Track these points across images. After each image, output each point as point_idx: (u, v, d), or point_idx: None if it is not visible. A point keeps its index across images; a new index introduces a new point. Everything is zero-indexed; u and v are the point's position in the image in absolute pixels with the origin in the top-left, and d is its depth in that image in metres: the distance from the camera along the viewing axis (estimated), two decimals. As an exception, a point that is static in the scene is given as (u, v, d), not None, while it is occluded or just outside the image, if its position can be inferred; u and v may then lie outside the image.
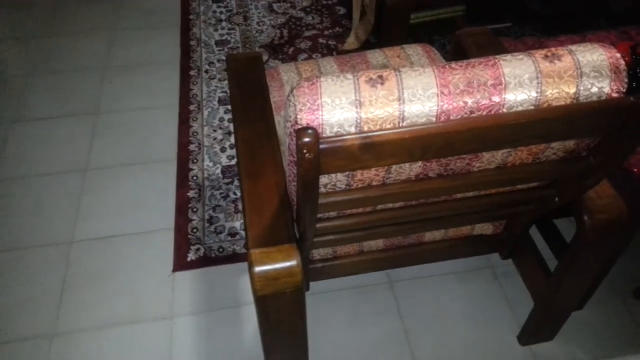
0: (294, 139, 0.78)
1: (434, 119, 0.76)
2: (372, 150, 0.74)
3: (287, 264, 0.92)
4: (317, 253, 1.20)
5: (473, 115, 0.77)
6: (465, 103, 0.77)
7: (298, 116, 0.76)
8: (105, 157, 1.83)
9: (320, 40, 2.35)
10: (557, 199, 1.02)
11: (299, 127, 0.76)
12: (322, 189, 0.86)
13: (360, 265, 1.25)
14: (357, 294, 1.46)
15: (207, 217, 1.64)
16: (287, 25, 2.44)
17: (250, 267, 0.91)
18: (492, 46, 1.44)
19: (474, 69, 0.78)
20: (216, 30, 2.42)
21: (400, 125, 0.76)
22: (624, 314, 1.43)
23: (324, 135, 0.75)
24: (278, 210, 0.99)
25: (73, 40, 2.33)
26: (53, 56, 2.25)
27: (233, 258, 1.53)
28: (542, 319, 1.29)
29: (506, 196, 1.01)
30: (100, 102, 2.04)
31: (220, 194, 1.71)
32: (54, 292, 1.47)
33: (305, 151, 0.71)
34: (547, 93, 0.78)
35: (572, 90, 0.78)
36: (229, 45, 2.33)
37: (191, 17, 2.50)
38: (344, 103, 0.76)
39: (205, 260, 1.52)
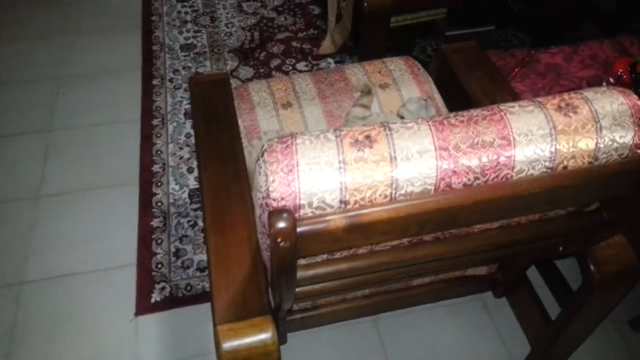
0: (266, 211, 0.65)
1: (432, 188, 0.64)
2: (360, 230, 0.62)
3: (262, 339, 0.80)
4: (295, 305, 1.08)
5: (478, 181, 0.65)
6: (469, 168, 0.65)
7: (270, 188, 0.63)
8: (60, 182, 1.66)
9: (294, 43, 2.20)
10: (561, 248, 0.92)
11: (272, 201, 0.63)
12: (300, 261, 0.73)
13: (343, 313, 1.13)
14: (340, 334, 1.35)
15: (173, 249, 1.50)
16: (257, 27, 2.28)
17: (218, 346, 0.79)
18: (480, 63, 1.33)
19: (477, 126, 0.66)
20: (181, 33, 2.25)
21: (394, 196, 0.64)
22: (621, 347, 1.36)
23: (301, 211, 0.63)
24: (249, 272, 0.86)
25: (21, 47, 2.12)
26: (-1, 65, 2.05)
27: (202, 297, 1.39)
28: (539, 362, 1.20)
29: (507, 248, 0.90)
30: (53, 117, 1.86)
31: (188, 222, 1.57)
32: (2, 341, 1.32)
33: (279, 240, 0.58)
34: (563, 152, 0.66)
35: (591, 147, 0.67)
36: (195, 50, 2.16)
37: (153, 18, 2.32)
38: (325, 170, 0.63)
39: (172, 301, 1.38)
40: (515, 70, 1.41)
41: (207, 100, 1.17)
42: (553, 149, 0.66)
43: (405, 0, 1.75)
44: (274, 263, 0.63)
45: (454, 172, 0.64)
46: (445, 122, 0.67)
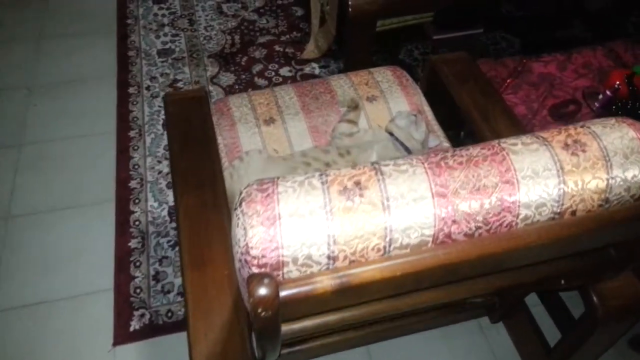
0: (245, 267, 0.58)
1: (430, 240, 0.58)
2: (351, 292, 0.55)
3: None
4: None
5: (480, 230, 0.59)
6: (470, 216, 0.58)
7: (249, 244, 0.56)
8: (31, 201, 1.57)
9: (277, 47, 2.12)
10: (563, 282, 0.87)
11: (251, 258, 0.56)
12: (285, 314, 0.67)
13: (333, 346, 1.07)
14: (329, 362, 1.29)
15: (152, 272, 1.42)
16: (238, 30, 2.19)
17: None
18: (471, 74, 1.27)
19: (477, 168, 0.60)
20: (158, 37, 2.15)
21: (388, 249, 0.57)
22: (619, 366, 1.32)
23: (285, 269, 0.56)
24: (230, 317, 0.80)
25: (-11, 54, 2.02)
26: (-34, 73, 1.95)
27: (184, 324, 1.32)
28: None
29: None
30: (23, 130, 1.76)
31: (168, 242, 1.49)
32: (-30, 377, 1.24)
33: (260, 310, 0.51)
34: (571, 195, 0.61)
35: (601, 188, 0.62)
36: (173, 56, 2.07)
37: (129, 21, 2.22)
38: (310, 222, 0.56)
39: (152, 329, 1.31)
40: (508, 81, 1.35)
41: (184, 120, 1.10)
42: (561, 192, 0.60)
43: (391, 5, 1.68)
44: (255, 328, 0.56)
45: (454, 221, 0.58)
46: (442, 164, 0.60)
